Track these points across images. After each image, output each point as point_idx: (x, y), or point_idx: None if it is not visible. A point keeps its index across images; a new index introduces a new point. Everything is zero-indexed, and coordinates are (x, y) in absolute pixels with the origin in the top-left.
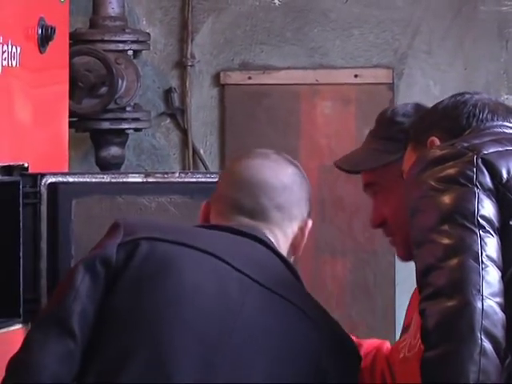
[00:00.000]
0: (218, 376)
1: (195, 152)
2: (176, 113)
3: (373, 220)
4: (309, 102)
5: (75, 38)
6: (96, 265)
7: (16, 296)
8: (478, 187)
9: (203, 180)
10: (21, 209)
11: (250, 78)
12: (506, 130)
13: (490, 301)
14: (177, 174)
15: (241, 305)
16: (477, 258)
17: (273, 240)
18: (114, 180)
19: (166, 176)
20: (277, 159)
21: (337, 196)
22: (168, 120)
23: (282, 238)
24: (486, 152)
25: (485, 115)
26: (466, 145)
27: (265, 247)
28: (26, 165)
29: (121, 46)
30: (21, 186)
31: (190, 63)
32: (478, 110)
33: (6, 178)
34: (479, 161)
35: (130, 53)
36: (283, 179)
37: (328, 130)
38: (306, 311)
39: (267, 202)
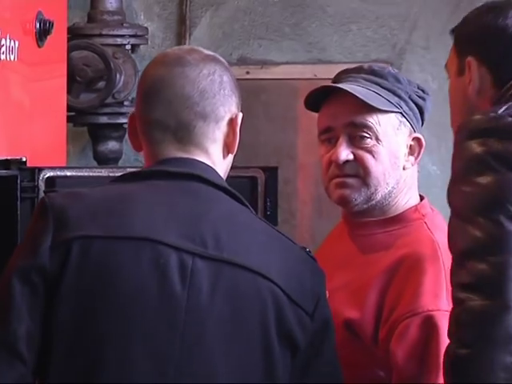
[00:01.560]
0: None
1: None
2: None
3: (346, 154)
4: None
5: (73, 33)
6: (32, 276)
7: None
8: None
9: None
10: (18, 203)
11: (247, 72)
12: None
13: None
14: None
15: (185, 299)
16: None
17: (208, 162)
18: (111, 174)
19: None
20: (192, 62)
21: None
22: None
23: (214, 150)
24: None
25: None
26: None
27: (203, 184)
28: (23, 159)
29: (119, 41)
30: (18, 180)
31: None
32: None
33: (3, 172)
34: None
35: (128, 47)
36: (199, 84)
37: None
38: (252, 268)
39: (189, 113)
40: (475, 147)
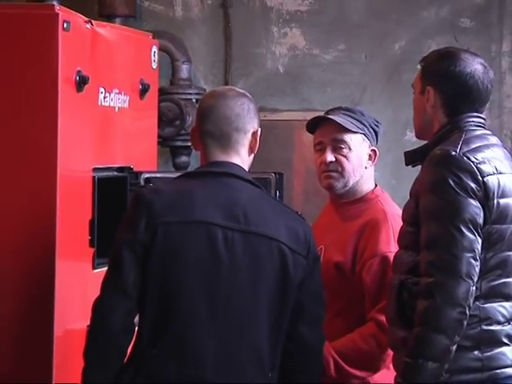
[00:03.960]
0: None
1: None
2: None
3: (330, 158)
4: (299, 132)
5: (161, 91)
6: (135, 246)
7: None
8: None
9: None
10: (128, 194)
11: (265, 116)
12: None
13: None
14: None
15: (228, 259)
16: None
17: (239, 162)
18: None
19: None
20: (231, 96)
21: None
22: None
23: (243, 151)
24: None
25: (470, 102)
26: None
27: (236, 179)
28: (131, 166)
29: (188, 96)
30: (128, 180)
31: None
32: (470, 94)
33: (119, 175)
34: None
35: (194, 100)
36: (235, 110)
37: (310, 148)
38: (267, 235)
39: (228, 127)
40: (438, 171)
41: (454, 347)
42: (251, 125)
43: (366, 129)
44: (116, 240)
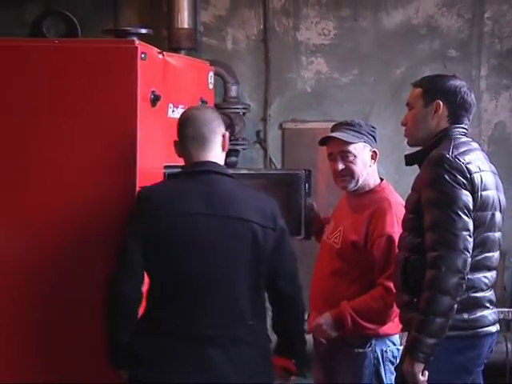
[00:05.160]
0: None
1: (270, 160)
2: (261, 142)
3: (340, 167)
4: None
5: (216, 107)
6: (138, 235)
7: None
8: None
9: (274, 172)
10: None
11: (295, 125)
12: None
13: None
14: (262, 169)
15: (210, 239)
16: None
17: (215, 159)
18: (234, 172)
19: (257, 170)
20: (202, 108)
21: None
22: (257, 145)
23: (217, 149)
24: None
25: (466, 112)
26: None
27: (213, 174)
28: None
29: (236, 110)
30: None
31: (268, 118)
32: (466, 105)
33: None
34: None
35: (241, 113)
36: (207, 117)
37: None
38: (242, 217)
39: (204, 128)
40: (436, 170)
41: (456, 306)
42: (220, 128)
43: (364, 137)
44: (125, 230)
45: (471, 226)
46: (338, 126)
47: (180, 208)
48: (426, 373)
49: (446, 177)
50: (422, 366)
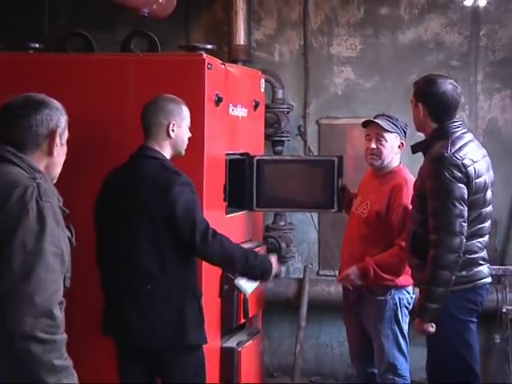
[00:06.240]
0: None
1: (309, 149)
2: (302, 134)
3: (374, 145)
4: (350, 132)
5: (266, 106)
6: (99, 208)
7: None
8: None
9: (312, 159)
10: (246, 171)
11: (329, 121)
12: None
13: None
14: (303, 156)
15: (124, 207)
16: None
17: (155, 144)
18: (281, 158)
19: (299, 157)
20: (161, 97)
21: (362, 167)
22: (299, 137)
23: (161, 137)
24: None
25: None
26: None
27: (145, 158)
28: (249, 152)
29: (282, 109)
30: (246, 161)
31: (307, 116)
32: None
33: (241, 157)
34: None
35: (286, 112)
36: (155, 108)
37: (356, 142)
38: (147, 192)
39: (150, 122)
40: (437, 166)
41: (453, 278)
42: (165, 118)
43: (398, 129)
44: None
45: (466, 213)
46: (380, 116)
47: (121, 185)
48: (434, 325)
49: (445, 172)
50: (429, 324)
